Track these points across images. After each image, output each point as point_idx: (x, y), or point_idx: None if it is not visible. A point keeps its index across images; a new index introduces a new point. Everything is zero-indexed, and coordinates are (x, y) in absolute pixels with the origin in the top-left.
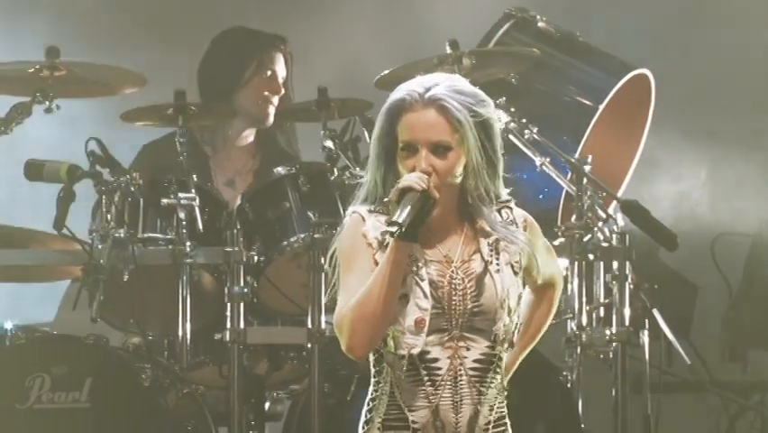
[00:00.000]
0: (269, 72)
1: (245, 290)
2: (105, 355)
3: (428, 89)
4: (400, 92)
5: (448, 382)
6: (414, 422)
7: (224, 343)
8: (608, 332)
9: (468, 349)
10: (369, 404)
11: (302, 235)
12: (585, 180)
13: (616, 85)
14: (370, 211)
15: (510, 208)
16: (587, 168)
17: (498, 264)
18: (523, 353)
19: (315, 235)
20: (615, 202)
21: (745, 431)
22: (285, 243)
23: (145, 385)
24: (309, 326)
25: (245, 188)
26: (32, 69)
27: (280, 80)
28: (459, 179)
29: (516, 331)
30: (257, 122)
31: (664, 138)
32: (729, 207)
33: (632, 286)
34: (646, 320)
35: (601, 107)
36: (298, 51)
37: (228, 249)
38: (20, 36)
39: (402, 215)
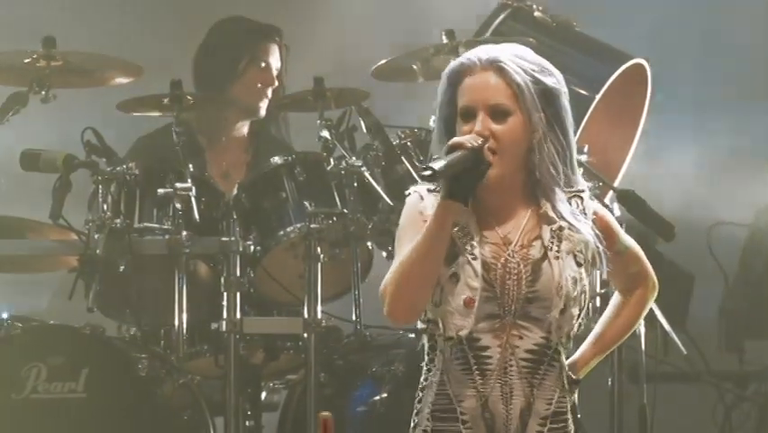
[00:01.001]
0: (263, 64)
1: (242, 279)
2: (102, 345)
3: (488, 53)
4: (460, 58)
5: (498, 372)
6: (462, 413)
7: (220, 333)
8: None
9: (521, 338)
10: (419, 394)
11: (298, 225)
12: (581, 170)
13: (612, 75)
14: (429, 190)
15: (581, 198)
16: (583, 158)
17: (558, 252)
18: (597, 357)
19: (312, 225)
20: (611, 192)
21: (742, 421)
22: (281, 232)
23: (141, 375)
24: (306, 316)
25: (241, 178)
26: (29, 59)
27: (274, 72)
28: (523, 152)
29: (577, 324)
30: (250, 113)
31: (661, 128)
32: (725, 196)
33: None
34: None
35: (598, 97)
36: (295, 41)
37: (224, 239)
38: (17, 25)
39: (440, 162)
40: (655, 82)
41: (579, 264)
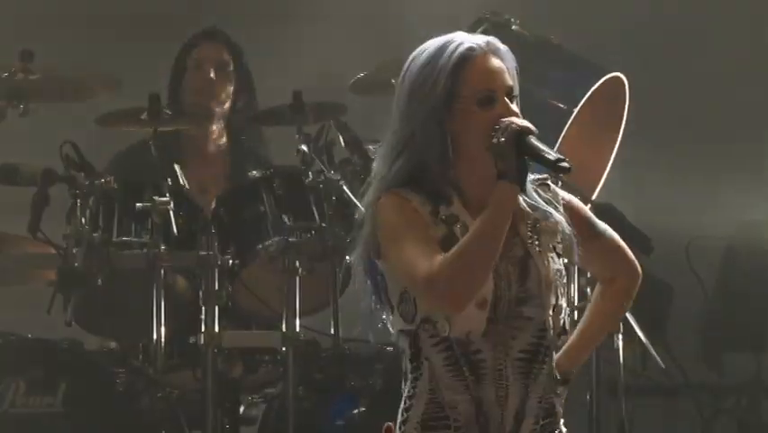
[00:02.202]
0: (198, 67)
1: (220, 293)
2: (80, 359)
3: (482, 39)
4: (464, 45)
5: (492, 375)
6: (455, 420)
7: (198, 346)
8: None
9: (513, 339)
10: (406, 402)
11: (276, 239)
12: (559, 184)
13: (590, 88)
14: (403, 193)
15: (548, 186)
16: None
17: (539, 247)
18: (583, 351)
19: (290, 239)
20: (589, 205)
21: None
22: (260, 246)
23: (119, 389)
24: (284, 329)
25: (220, 192)
26: (7, 73)
27: (212, 74)
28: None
29: (567, 317)
30: (204, 117)
31: (638, 141)
32: (704, 210)
33: None
34: (621, 324)
35: (576, 110)
36: (273, 56)
37: (203, 252)
38: None
39: (541, 144)
40: (633, 95)
41: (559, 255)
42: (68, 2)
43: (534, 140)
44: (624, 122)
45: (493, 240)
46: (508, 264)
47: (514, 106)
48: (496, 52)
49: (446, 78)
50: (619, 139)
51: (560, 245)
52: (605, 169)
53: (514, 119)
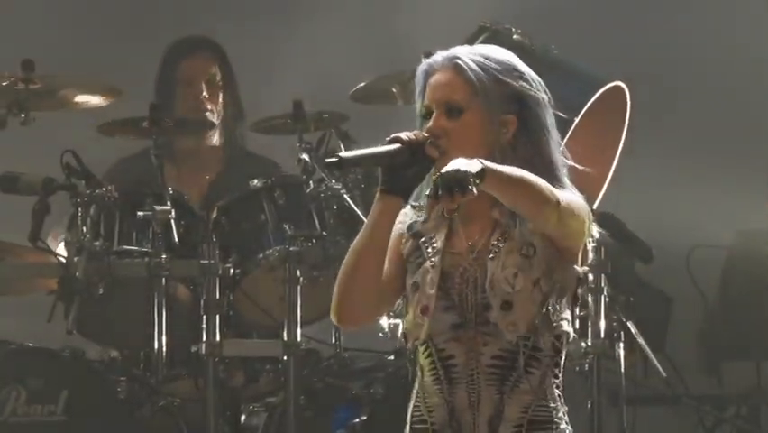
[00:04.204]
0: (189, 84)
1: (221, 302)
2: (81, 368)
3: (449, 52)
4: (424, 63)
5: (464, 380)
6: (433, 423)
7: (199, 355)
8: (583, 344)
9: (485, 345)
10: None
11: (278, 248)
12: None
13: (591, 98)
14: (413, 207)
15: None
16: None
17: (497, 252)
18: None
19: (291, 248)
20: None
21: None
22: (261, 255)
23: (121, 398)
24: (285, 338)
25: (219, 201)
26: (7, 82)
27: (204, 92)
28: (484, 151)
29: (541, 321)
30: (208, 126)
31: (640, 150)
32: (704, 219)
33: (607, 298)
34: (622, 333)
35: (577, 120)
36: (274, 65)
37: (204, 261)
38: None
39: (353, 152)
40: (633, 104)
41: (525, 256)
42: (69, 11)
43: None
44: (625, 131)
45: (355, 252)
46: (477, 270)
47: (448, 122)
48: (447, 66)
49: (418, 99)
50: (620, 149)
51: (529, 247)
52: (606, 178)
53: (398, 133)
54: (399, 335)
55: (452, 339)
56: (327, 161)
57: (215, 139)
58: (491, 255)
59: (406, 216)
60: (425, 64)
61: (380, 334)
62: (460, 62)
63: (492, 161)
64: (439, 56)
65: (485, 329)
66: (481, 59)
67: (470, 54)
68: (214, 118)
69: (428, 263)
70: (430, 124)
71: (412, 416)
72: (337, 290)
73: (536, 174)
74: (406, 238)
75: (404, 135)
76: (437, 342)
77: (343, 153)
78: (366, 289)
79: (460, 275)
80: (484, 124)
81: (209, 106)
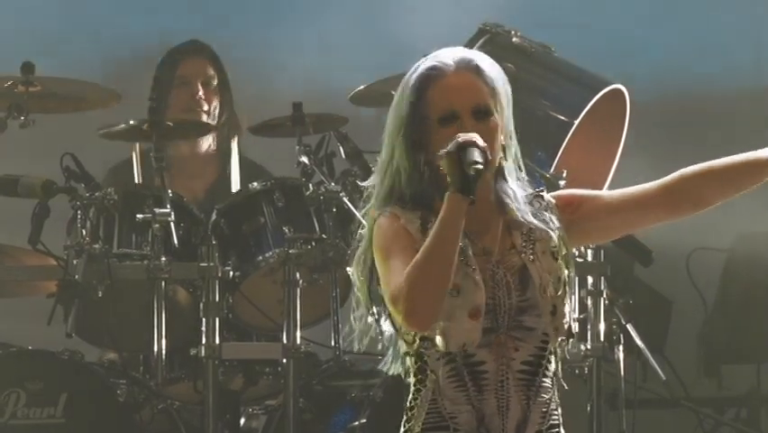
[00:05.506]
0: (185, 85)
1: (221, 305)
2: (81, 371)
3: (458, 55)
4: (428, 64)
5: (494, 386)
6: (456, 430)
7: (199, 358)
8: (583, 347)
9: (516, 350)
10: (407, 413)
11: (277, 251)
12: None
13: (591, 100)
14: (403, 208)
15: (542, 197)
16: (562, 183)
17: (533, 254)
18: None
19: (290, 251)
20: None
21: None
22: (260, 258)
23: (120, 401)
24: (285, 341)
25: (219, 204)
26: (7, 85)
27: (200, 92)
28: (498, 157)
29: (574, 322)
30: (207, 130)
31: (639, 153)
32: (704, 222)
33: (607, 301)
34: (621, 336)
35: (576, 123)
36: (273, 67)
37: (203, 264)
38: None
39: (476, 155)
40: (632, 107)
41: (556, 259)
42: (69, 14)
43: (473, 153)
44: (625, 134)
45: (442, 254)
46: (507, 273)
47: (479, 126)
48: (467, 69)
49: (410, 100)
50: (620, 151)
51: (556, 249)
52: (606, 181)
53: (462, 134)
54: (437, 340)
55: (484, 345)
56: (476, 166)
57: (210, 144)
58: (531, 257)
59: (403, 216)
60: (427, 69)
61: (380, 337)
62: (480, 65)
63: (497, 168)
64: (448, 59)
65: (517, 334)
66: (490, 62)
67: (480, 56)
68: (209, 119)
69: (465, 266)
70: (466, 127)
71: (425, 422)
72: (416, 294)
73: (522, 172)
74: (417, 242)
75: (476, 137)
76: (467, 348)
77: (477, 157)
78: (444, 294)
79: (491, 279)
80: (502, 128)
81: (204, 107)
